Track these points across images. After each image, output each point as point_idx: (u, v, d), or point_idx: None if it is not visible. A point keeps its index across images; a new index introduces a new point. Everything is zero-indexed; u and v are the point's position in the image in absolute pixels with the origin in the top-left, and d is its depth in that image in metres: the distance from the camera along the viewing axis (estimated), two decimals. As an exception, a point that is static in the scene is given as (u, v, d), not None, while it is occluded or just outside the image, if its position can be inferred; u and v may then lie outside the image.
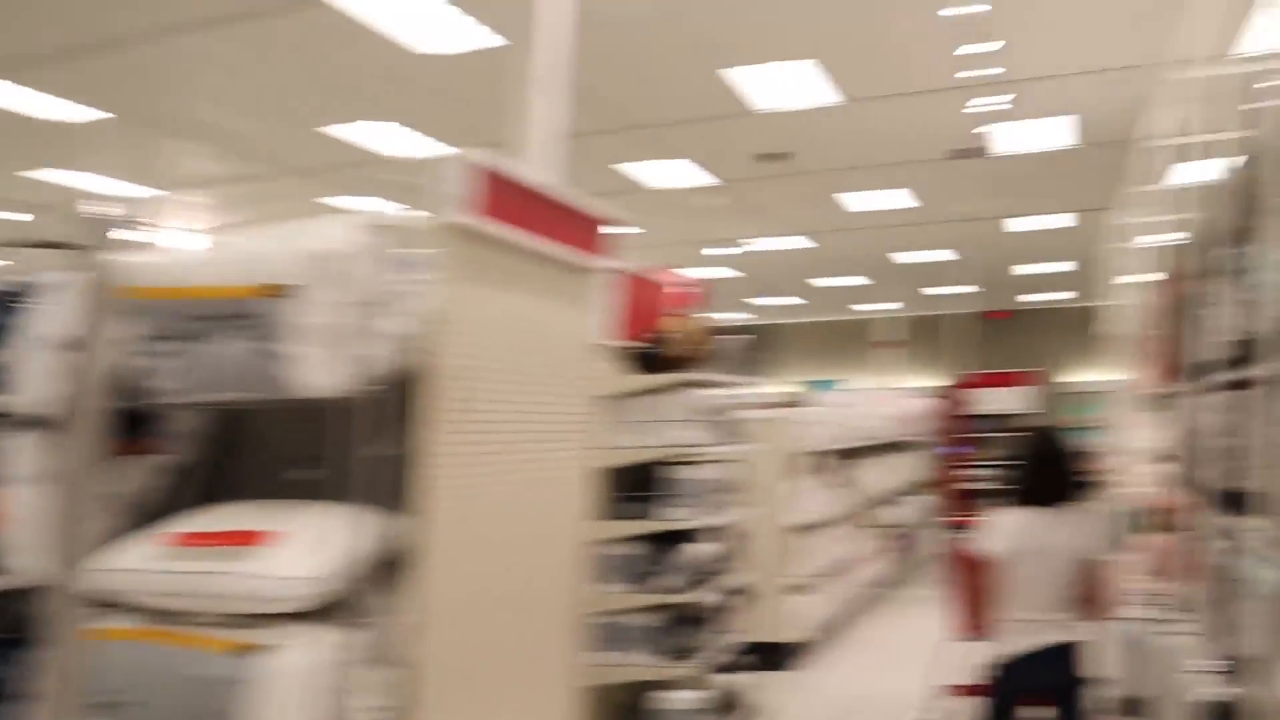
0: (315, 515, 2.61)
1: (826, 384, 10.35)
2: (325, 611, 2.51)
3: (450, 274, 2.67)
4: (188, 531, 2.62)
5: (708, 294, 6.83)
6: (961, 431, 15.96)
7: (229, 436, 3.08)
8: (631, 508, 4.96)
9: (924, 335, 23.31)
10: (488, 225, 2.76)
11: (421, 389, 2.60)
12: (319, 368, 2.49)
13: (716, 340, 5.35)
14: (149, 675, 2.44)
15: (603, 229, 3.46)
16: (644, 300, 5.54)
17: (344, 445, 2.47)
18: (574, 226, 3.31)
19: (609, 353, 4.99)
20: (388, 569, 2.67)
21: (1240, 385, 3.49)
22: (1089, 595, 3.78)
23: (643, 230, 14.42)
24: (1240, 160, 3.10)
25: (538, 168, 4.76)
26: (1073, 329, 22.58)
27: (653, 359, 4.84)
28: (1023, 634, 3.73)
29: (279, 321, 2.49)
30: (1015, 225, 14.68)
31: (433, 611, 2.60)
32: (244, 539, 2.54)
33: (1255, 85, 4.47)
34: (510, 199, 2.88)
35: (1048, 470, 3.86)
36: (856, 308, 22.81)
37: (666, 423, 4.84)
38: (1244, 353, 3.33)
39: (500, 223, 2.82)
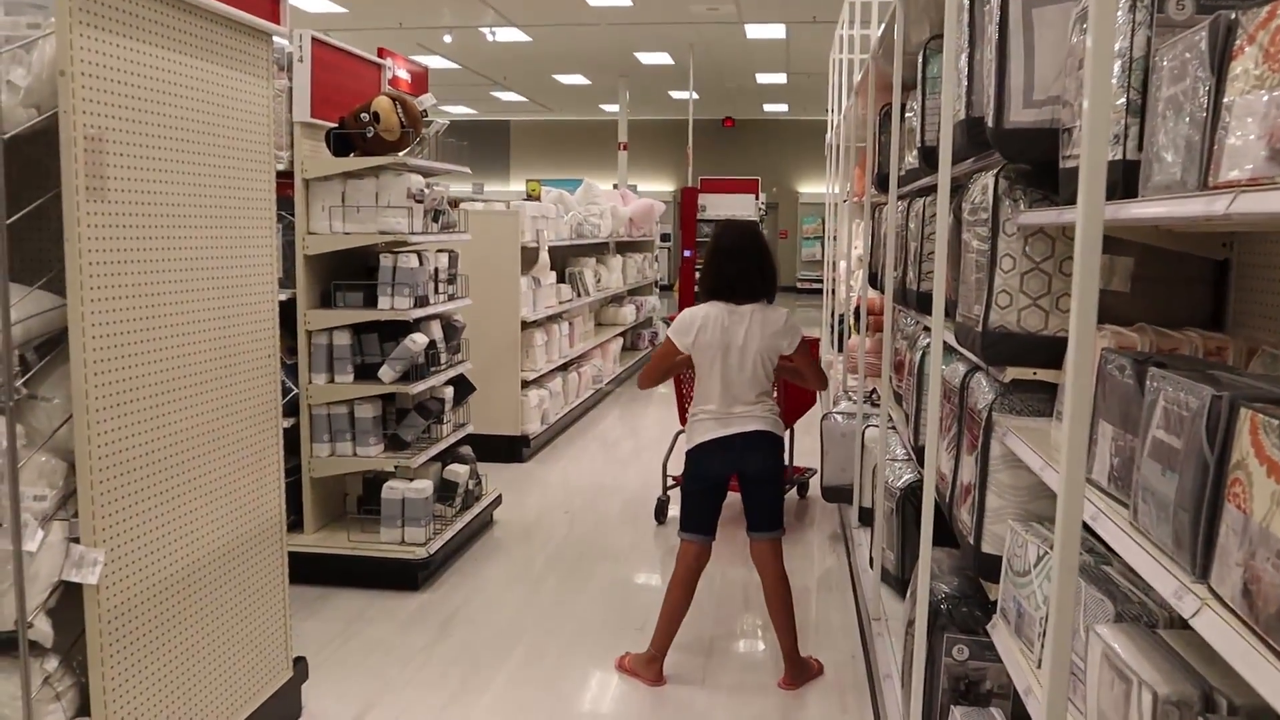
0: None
1: (571, 183, 10.25)
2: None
3: (71, 17, 2.34)
4: None
5: (425, 79, 6.53)
6: (694, 234, 16.44)
7: None
8: (351, 296, 4.81)
9: (669, 139, 23.53)
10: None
11: (55, 152, 2.35)
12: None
13: (439, 128, 5.13)
14: None
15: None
16: (357, 80, 5.22)
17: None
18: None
19: (315, 132, 4.70)
20: (40, 350, 2.47)
21: (925, 193, 3.70)
22: (781, 387, 3.90)
23: (363, 12, 13.57)
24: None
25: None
26: (805, 140, 23.46)
27: (365, 141, 4.58)
28: (714, 424, 3.84)
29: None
30: (754, 32, 14.78)
31: (92, 396, 2.43)
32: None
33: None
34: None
35: (735, 266, 3.84)
36: (605, 108, 22.65)
37: (383, 209, 4.65)
38: (928, 161, 3.51)
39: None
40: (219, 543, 3.04)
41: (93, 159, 2.40)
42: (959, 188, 2.78)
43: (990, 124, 2.36)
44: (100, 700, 2.51)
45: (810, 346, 6.11)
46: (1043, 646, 2.01)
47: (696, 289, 3.96)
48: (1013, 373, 2.34)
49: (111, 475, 2.51)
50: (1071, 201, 1.95)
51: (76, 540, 2.45)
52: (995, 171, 2.42)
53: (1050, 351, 2.27)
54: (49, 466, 2.45)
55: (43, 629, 2.45)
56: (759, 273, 3.86)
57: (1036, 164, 2.34)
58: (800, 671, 3.92)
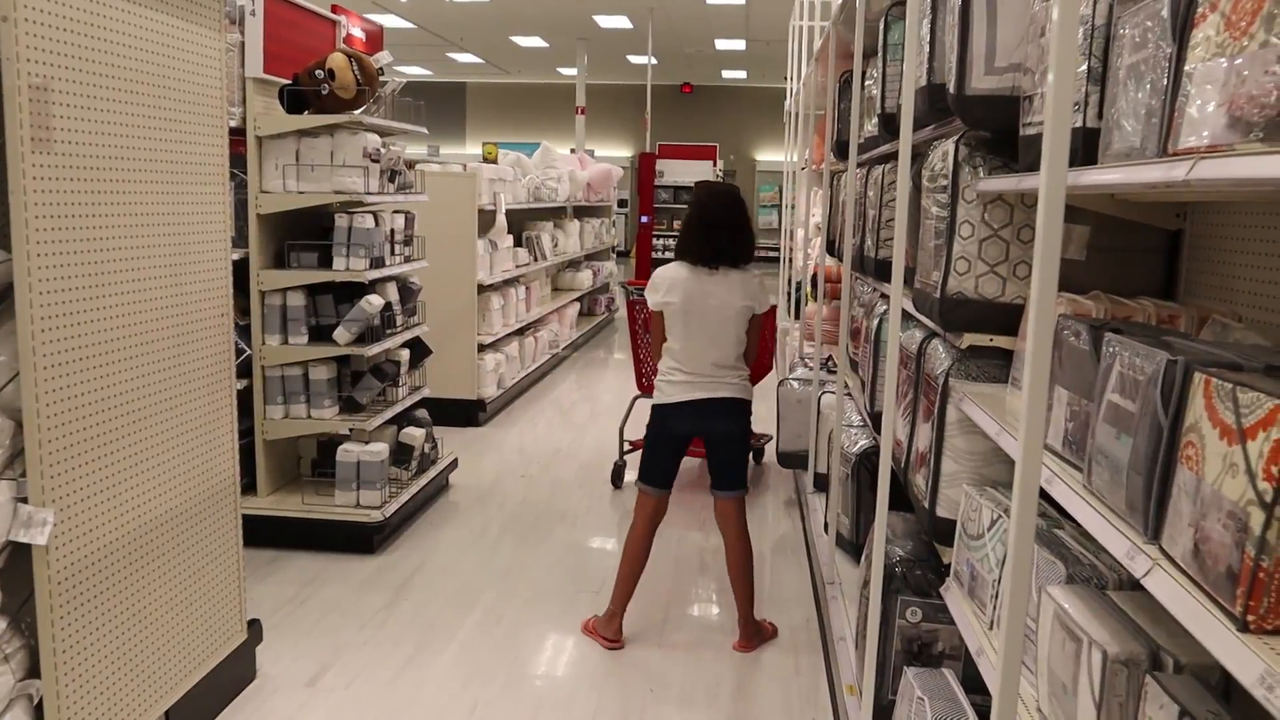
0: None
1: (527, 147, 10.15)
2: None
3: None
4: None
5: (380, 38, 6.43)
6: (651, 200, 16.40)
7: None
8: (305, 257, 4.74)
9: (627, 104, 23.43)
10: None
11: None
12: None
13: (395, 87, 5.06)
14: None
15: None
16: (311, 36, 5.13)
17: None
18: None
19: (268, 88, 4.62)
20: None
21: (884, 160, 3.71)
22: (746, 353, 3.91)
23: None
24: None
25: None
26: (763, 107, 23.44)
27: (320, 98, 4.50)
28: (682, 387, 3.85)
29: None
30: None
31: (39, 354, 2.39)
32: None
33: None
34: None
35: (719, 234, 3.84)
36: (563, 71, 22.45)
37: (338, 168, 4.58)
38: (888, 128, 3.52)
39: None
40: (171, 504, 3.00)
41: (38, 109, 2.33)
42: (919, 155, 2.79)
43: (952, 90, 2.37)
44: (50, 662, 2.48)
45: (767, 314, 6.12)
46: (995, 608, 2.04)
47: (675, 246, 3.97)
48: (970, 339, 2.37)
49: (60, 434, 2.46)
50: (1031, 169, 1.96)
51: (24, 500, 2.41)
52: (956, 138, 2.43)
53: (1007, 318, 2.30)
54: (-5, 425, 2.40)
55: (-10, 590, 2.41)
56: (743, 240, 3.89)
57: (997, 131, 2.35)
58: (754, 633, 3.96)
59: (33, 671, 2.52)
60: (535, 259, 8.85)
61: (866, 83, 4.03)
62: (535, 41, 19.36)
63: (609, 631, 3.94)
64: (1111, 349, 1.52)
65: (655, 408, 3.93)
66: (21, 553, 2.43)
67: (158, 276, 2.88)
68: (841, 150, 4.74)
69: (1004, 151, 2.34)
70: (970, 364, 2.41)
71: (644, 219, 16.57)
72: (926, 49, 2.65)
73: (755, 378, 4.14)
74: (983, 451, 2.38)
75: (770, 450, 6.33)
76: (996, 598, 2.04)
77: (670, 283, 3.85)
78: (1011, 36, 2.25)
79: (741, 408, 3.92)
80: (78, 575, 2.56)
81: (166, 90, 2.89)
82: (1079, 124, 1.77)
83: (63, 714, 2.52)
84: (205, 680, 3.21)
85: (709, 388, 3.83)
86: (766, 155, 24.18)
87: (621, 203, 19.44)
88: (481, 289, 7.33)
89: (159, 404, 2.91)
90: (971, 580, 2.18)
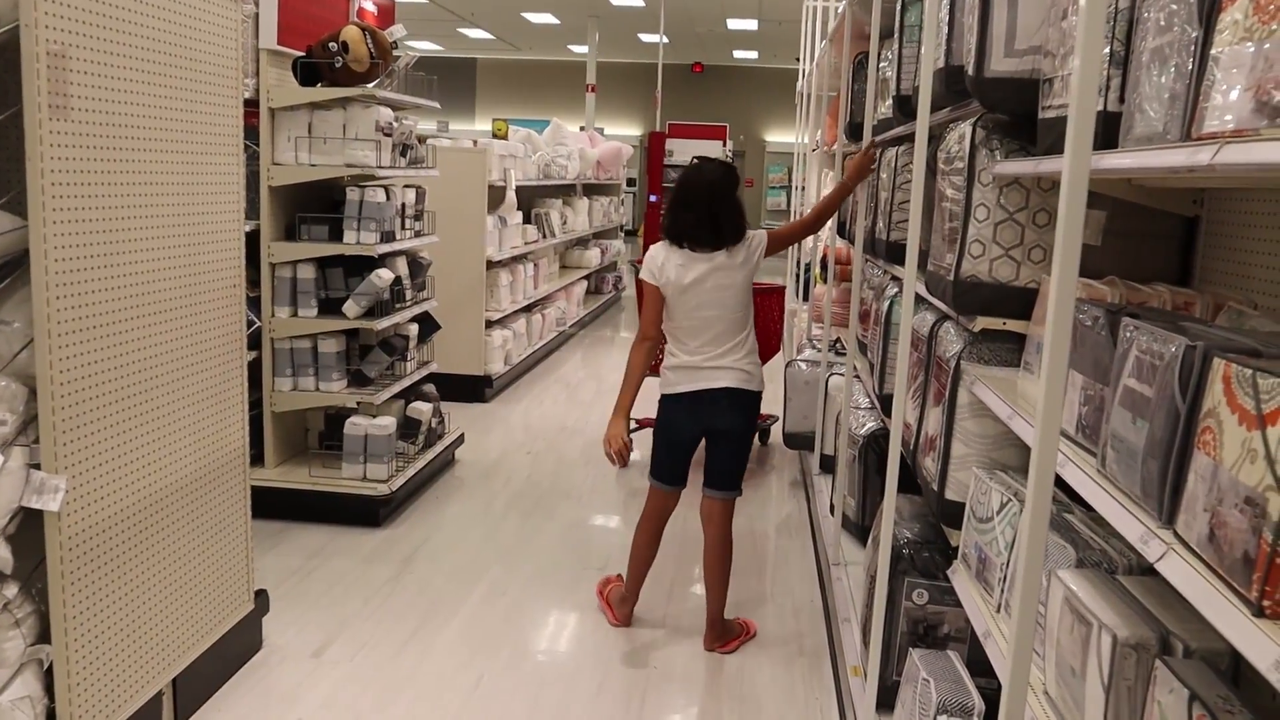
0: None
1: (537, 124, 10.12)
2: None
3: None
4: None
5: (392, 12, 6.40)
6: (660, 179, 16.32)
7: None
8: (316, 229, 4.74)
9: (638, 83, 23.37)
10: None
11: (15, 68, 2.28)
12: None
13: (408, 61, 5.04)
14: None
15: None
16: (324, 8, 5.12)
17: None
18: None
19: (282, 60, 4.61)
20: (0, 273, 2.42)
21: (898, 143, 3.69)
22: (746, 338, 3.70)
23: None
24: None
25: None
26: (773, 88, 23.35)
27: (333, 71, 4.49)
28: (684, 376, 3.67)
29: None
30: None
31: (54, 321, 2.39)
32: None
33: None
34: None
35: (690, 215, 3.58)
36: (574, 49, 22.36)
37: (350, 141, 4.57)
38: (903, 111, 3.51)
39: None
40: (182, 473, 3.01)
41: (55, 75, 2.33)
42: (934, 137, 2.77)
43: (970, 72, 2.36)
44: (60, 627, 2.49)
45: (776, 295, 6.11)
46: (1003, 591, 2.05)
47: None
48: (983, 322, 2.37)
49: (73, 402, 2.47)
50: (1050, 152, 1.95)
51: (37, 466, 2.42)
52: (973, 121, 2.42)
53: (1021, 302, 2.29)
54: (9, 391, 2.40)
55: (2, 555, 2.42)
56: (711, 223, 3.58)
57: (1015, 114, 2.34)
58: (722, 633, 3.81)
59: (43, 637, 2.54)
60: (544, 236, 8.84)
61: (881, 64, 4.01)
62: (546, 18, 19.27)
63: (621, 612, 3.94)
64: (1129, 334, 1.52)
65: (661, 399, 3.75)
66: (33, 519, 2.45)
67: (171, 246, 2.88)
68: (855, 132, 4.73)
69: (1021, 134, 2.33)
70: (982, 347, 2.40)
71: (652, 198, 16.49)
72: (945, 30, 2.64)
73: (763, 359, 4.07)
74: (993, 435, 2.38)
75: (777, 431, 6.34)
76: (1005, 581, 2.04)
77: (656, 260, 3.64)
78: (1032, 19, 2.24)
79: (746, 400, 3.69)
80: (89, 542, 2.57)
81: (183, 60, 2.88)
82: (1100, 107, 1.76)
83: (72, 679, 2.54)
84: (212, 649, 3.23)
85: (709, 377, 3.63)
86: (776, 136, 24.10)
87: (630, 181, 19.38)
88: (490, 265, 7.33)
89: (171, 374, 2.92)
90: (979, 563, 2.19)
